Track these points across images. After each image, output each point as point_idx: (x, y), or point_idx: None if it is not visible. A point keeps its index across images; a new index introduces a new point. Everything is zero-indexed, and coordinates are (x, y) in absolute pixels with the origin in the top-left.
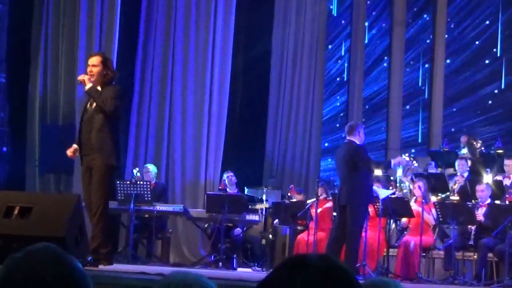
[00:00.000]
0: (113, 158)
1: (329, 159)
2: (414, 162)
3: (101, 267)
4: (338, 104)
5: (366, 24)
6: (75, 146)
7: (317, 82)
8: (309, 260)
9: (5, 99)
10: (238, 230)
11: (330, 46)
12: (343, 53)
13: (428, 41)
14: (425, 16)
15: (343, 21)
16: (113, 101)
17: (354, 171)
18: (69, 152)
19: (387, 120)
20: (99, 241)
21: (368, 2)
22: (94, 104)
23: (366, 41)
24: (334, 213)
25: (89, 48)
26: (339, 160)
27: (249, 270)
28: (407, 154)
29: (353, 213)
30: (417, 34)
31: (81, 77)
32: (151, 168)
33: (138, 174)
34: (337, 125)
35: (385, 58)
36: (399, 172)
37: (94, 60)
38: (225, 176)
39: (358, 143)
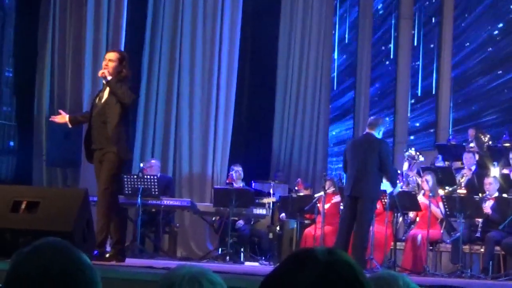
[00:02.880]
0: (128, 152)
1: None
2: (420, 156)
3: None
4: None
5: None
6: (66, 118)
7: (324, 76)
8: (316, 254)
9: (12, 93)
10: (240, 223)
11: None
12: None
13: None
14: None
15: (346, 15)
16: (132, 95)
17: (376, 165)
18: (56, 119)
19: (394, 112)
20: (105, 234)
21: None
22: (105, 98)
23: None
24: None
25: (96, 43)
26: (359, 151)
27: (256, 264)
28: (413, 149)
29: (368, 206)
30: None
31: (101, 72)
32: (155, 162)
33: (145, 168)
34: (345, 118)
35: (392, 50)
36: (405, 166)
37: (112, 55)
38: (234, 170)
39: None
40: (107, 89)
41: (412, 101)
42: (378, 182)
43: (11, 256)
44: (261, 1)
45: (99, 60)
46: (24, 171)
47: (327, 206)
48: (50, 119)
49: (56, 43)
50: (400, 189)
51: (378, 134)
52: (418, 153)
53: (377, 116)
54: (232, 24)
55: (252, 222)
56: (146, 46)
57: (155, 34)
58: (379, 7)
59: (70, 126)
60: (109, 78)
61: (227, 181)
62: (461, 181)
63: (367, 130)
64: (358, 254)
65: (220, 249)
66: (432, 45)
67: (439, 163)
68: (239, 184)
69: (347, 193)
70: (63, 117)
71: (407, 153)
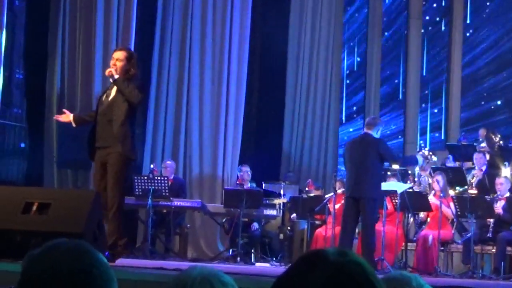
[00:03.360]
0: (134, 152)
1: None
2: (433, 156)
3: (119, 261)
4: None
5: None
6: (70, 117)
7: (334, 76)
8: (327, 255)
9: (23, 95)
10: (254, 225)
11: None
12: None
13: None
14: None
15: (357, 15)
16: (140, 94)
17: (377, 165)
18: (61, 118)
19: (405, 112)
20: (116, 236)
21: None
22: (111, 97)
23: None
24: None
25: (106, 44)
26: (358, 152)
27: (267, 265)
28: (427, 149)
29: (372, 206)
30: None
31: (108, 71)
32: (170, 163)
33: (155, 169)
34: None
35: (402, 50)
36: (420, 160)
37: (119, 54)
38: (241, 170)
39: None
40: (114, 87)
41: (423, 105)
42: (378, 181)
43: (22, 257)
44: (270, 3)
45: (109, 62)
46: (35, 172)
47: (337, 206)
48: (54, 117)
49: (66, 45)
50: (409, 189)
51: (376, 133)
52: (431, 153)
53: (374, 116)
54: (241, 25)
55: (263, 223)
56: (155, 48)
57: (165, 36)
58: (388, 7)
59: (74, 125)
60: (116, 76)
61: (238, 182)
62: (472, 181)
63: (365, 130)
64: (366, 255)
65: (230, 250)
66: (440, 46)
67: (450, 163)
68: (248, 184)
69: (347, 194)
70: (67, 116)
71: (420, 153)
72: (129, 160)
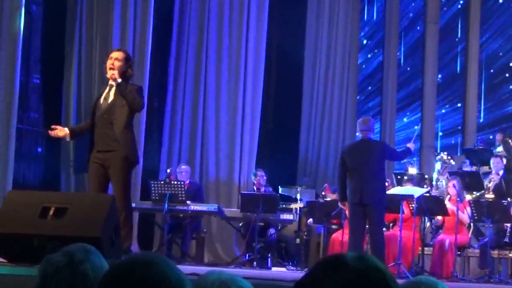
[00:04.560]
0: (135, 155)
1: None
2: (451, 160)
3: None
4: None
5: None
6: (66, 130)
7: (351, 81)
8: (346, 260)
9: (40, 100)
10: (271, 231)
11: (364, 42)
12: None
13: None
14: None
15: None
16: (141, 100)
17: (381, 168)
18: (53, 133)
19: (422, 114)
20: (129, 242)
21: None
22: (110, 100)
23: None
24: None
25: (123, 48)
26: (361, 158)
27: (283, 269)
28: (445, 153)
29: (380, 210)
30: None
31: (110, 74)
32: (186, 168)
33: (171, 174)
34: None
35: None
36: (438, 166)
37: (118, 54)
38: (258, 173)
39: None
40: (113, 90)
41: (442, 110)
42: (383, 185)
43: (39, 262)
44: (287, 6)
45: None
46: (51, 177)
47: None
48: (50, 133)
49: (83, 50)
50: (426, 193)
51: (373, 134)
52: (449, 157)
53: (364, 118)
54: (258, 30)
55: (279, 228)
56: (172, 53)
57: (181, 40)
58: (406, 11)
59: (68, 139)
60: (119, 80)
61: (254, 186)
62: (488, 185)
63: (363, 136)
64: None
65: (247, 255)
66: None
67: (467, 168)
68: (262, 189)
69: (354, 200)
70: (61, 130)
71: (438, 157)
72: (133, 163)
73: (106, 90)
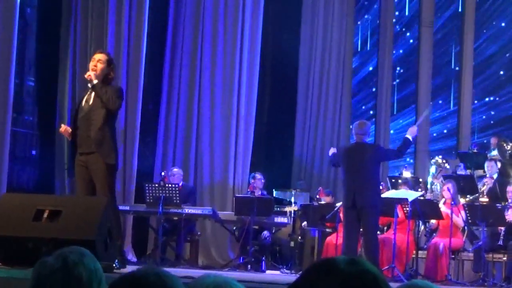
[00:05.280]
0: (112, 157)
1: None
2: (446, 164)
3: (129, 268)
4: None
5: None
6: (69, 130)
7: (346, 83)
8: (337, 264)
9: (34, 102)
10: (266, 233)
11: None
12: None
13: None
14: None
15: (367, 16)
16: (118, 100)
17: (375, 171)
18: (62, 129)
19: (416, 117)
20: (120, 242)
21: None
22: (91, 102)
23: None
24: None
25: (117, 52)
26: (355, 160)
27: (277, 272)
28: (440, 156)
29: (374, 213)
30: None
31: (87, 74)
32: (178, 171)
33: (166, 176)
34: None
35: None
36: (432, 169)
37: (101, 56)
38: (257, 177)
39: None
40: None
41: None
42: (377, 188)
43: (33, 265)
44: (282, 9)
45: (121, 70)
46: (46, 180)
47: None
48: (63, 131)
49: (78, 53)
50: (420, 197)
51: (368, 137)
52: (444, 161)
53: (360, 121)
54: (253, 31)
55: (273, 231)
56: (166, 56)
57: (176, 43)
58: (400, 14)
59: (69, 139)
60: (95, 82)
61: (249, 189)
62: (482, 189)
63: (357, 139)
64: (372, 263)
65: (241, 258)
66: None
67: (461, 171)
68: (257, 192)
69: (348, 203)
70: (68, 130)
71: (433, 161)
72: (109, 166)
73: (88, 93)
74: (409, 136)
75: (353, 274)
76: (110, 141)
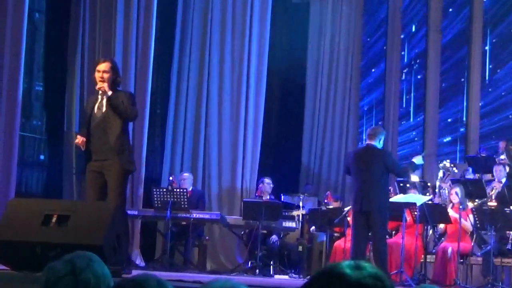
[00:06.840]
0: (132, 164)
1: None
2: (454, 168)
3: (135, 273)
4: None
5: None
6: (84, 140)
7: (353, 88)
8: (343, 270)
9: (42, 107)
10: (274, 238)
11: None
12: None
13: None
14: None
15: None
16: (134, 108)
17: (383, 176)
18: (78, 141)
19: (424, 126)
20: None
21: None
22: (104, 109)
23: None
24: None
25: (126, 56)
26: (363, 165)
27: (286, 277)
28: (448, 160)
29: (383, 218)
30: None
31: (98, 86)
32: (188, 175)
33: (174, 181)
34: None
35: (419, 62)
36: (440, 173)
37: (104, 66)
38: (266, 181)
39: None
40: (106, 98)
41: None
42: (386, 193)
43: (41, 269)
44: (289, 15)
45: (129, 75)
46: (54, 184)
47: None
48: (80, 143)
49: (86, 57)
50: (429, 201)
51: (379, 143)
52: (452, 165)
53: (375, 126)
54: (260, 36)
55: (281, 235)
56: (175, 60)
57: (184, 48)
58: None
59: (83, 149)
60: (109, 93)
61: (257, 194)
62: (491, 193)
63: (368, 142)
64: (380, 268)
65: (249, 262)
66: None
67: (470, 176)
68: (267, 197)
69: (356, 208)
70: (84, 141)
71: (441, 165)
72: (127, 172)
73: (99, 99)
74: (415, 160)
75: (359, 280)
76: (129, 148)
